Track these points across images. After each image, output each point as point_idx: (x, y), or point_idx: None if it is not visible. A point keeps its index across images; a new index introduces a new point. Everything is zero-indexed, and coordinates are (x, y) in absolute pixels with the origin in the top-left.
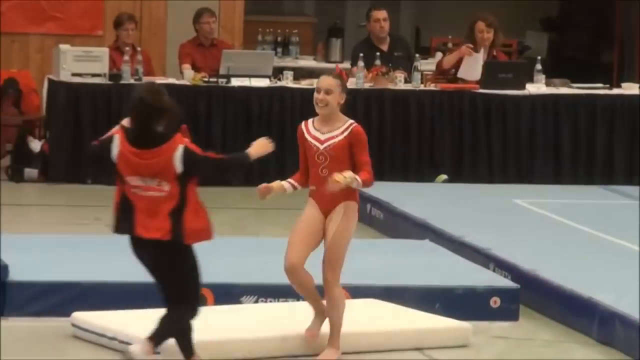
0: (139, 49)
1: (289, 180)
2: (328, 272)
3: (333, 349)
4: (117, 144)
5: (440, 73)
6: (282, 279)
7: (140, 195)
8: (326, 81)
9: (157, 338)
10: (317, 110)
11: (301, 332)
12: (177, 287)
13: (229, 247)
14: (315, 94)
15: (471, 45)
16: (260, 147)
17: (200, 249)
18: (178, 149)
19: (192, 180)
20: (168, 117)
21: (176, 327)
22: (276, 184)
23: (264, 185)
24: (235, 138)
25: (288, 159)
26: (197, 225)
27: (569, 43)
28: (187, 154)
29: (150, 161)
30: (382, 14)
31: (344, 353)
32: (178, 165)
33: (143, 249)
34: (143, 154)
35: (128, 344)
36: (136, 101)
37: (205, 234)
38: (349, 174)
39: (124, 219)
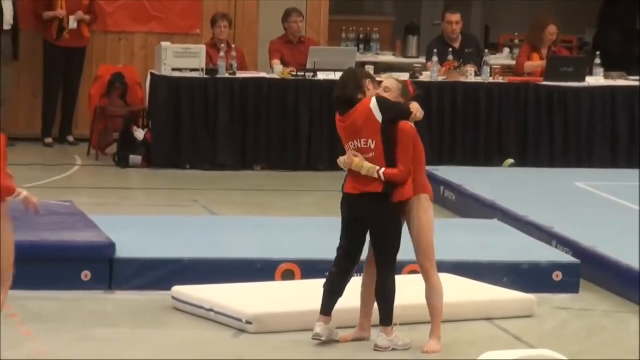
0: (233, 45)
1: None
2: (425, 261)
3: (436, 339)
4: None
5: (516, 72)
6: (363, 256)
7: None
8: (388, 81)
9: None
10: None
11: None
12: (379, 244)
13: (316, 226)
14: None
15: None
16: (417, 108)
17: (290, 228)
18: (372, 100)
19: (394, 136)
20: (361, 86)
21: (379, 290)
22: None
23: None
24: (321, 128)
25: None
26: (402, 189)
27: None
28: (381, 101)
29: (352, 118)
30: (455, 17)
31: (419, 323)
32: (377, 114)
33: (353, 204)
34: (346, 118)
35: (223, 314)
36: (339, 81)
37: (408, 192)
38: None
39: (345, 180)
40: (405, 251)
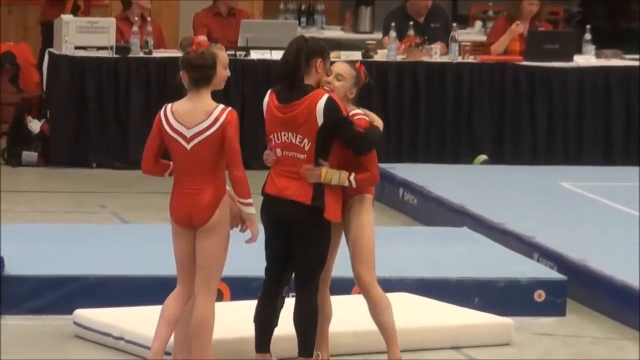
0: (148, 19)
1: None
2: (363, 270)
3: None
4: (267, 100)
5: (485, 52)
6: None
7: (282, 155)
8: (340, 66)
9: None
10: None
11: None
12: (303, 258)
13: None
14: (325, 77)
15: (519, 23)
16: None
17: None
18: (322, 98)
19: (331, 148)
20: (309, 66)
21: (297, 316)
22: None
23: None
24: (256, 117)
25: None
26: (334, 206)
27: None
28: (331, 106)
29: (295, 113)
30: None
31: (371, 353)
32: (319, 116)
33: (275, 208)
34: (287, 107)
35: (136, 344)
36: (283, 55)
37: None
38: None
39: (267, 179)
40: (378, 265)
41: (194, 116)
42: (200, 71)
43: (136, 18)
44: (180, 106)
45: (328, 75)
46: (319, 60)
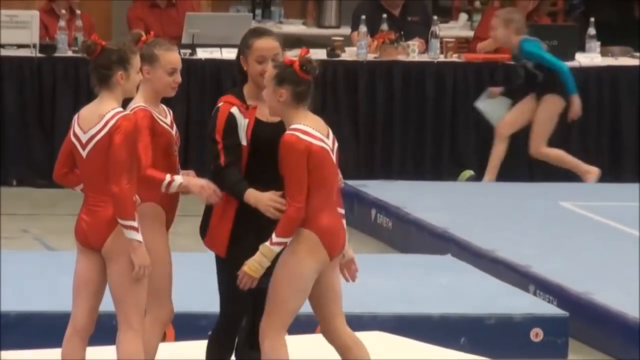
0: (78, 12)
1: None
2: (264, 319)
3: None
4: None
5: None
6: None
7: None
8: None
9: None
10: None
11: None
12: None
13: (194, 266)
14: None
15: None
16: (261, 200)
17: None
18: (219, 104)
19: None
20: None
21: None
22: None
23: None
24: (201, 125)
25: None
26: (216, 231)
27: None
28: (211, 119)
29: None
30: None
31: None
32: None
33: None
34: None
35: None
36: None
37: (219, 247)
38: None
39: None
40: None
41: (90, 119)
42: (93, 70)
43: (63, 11)
44: (85, 109)
45: None
46: (241, 58)
